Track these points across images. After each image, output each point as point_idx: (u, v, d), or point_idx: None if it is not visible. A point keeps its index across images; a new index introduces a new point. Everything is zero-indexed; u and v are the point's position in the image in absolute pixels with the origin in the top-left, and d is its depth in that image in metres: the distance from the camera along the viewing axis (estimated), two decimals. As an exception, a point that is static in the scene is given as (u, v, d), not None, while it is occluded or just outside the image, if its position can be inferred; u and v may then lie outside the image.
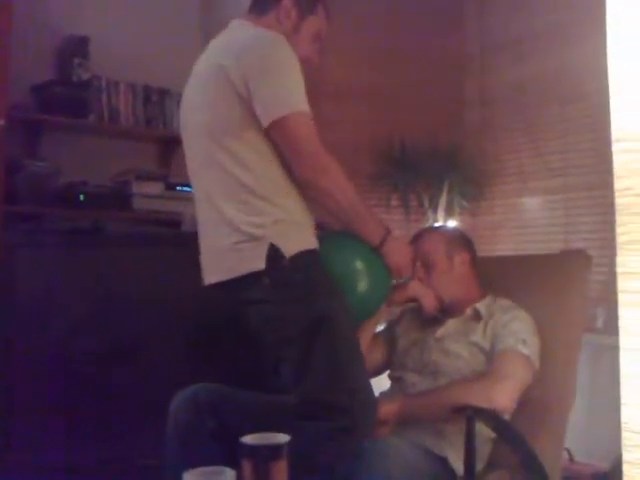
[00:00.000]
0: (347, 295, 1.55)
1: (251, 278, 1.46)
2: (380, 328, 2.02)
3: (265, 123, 1.45)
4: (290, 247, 1.47)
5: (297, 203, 1.51)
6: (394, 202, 3.53)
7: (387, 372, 1.95)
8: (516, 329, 1.75)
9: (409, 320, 1.98)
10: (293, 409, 1.47)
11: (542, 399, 1.76)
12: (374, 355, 1.92)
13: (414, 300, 1.82)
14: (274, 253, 1.45)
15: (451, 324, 1.86)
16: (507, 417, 1.68)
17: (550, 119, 3.39)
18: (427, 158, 3.40)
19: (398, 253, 1.63)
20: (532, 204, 3.49)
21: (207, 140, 1.53)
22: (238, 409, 1.62)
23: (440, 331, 1.85)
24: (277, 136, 1.46)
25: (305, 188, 1.50)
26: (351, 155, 3.56)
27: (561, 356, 1.81)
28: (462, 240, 1.95)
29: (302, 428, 1.40)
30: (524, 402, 1.71)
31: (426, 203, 3.45)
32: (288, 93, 1.46)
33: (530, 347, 1.73)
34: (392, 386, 1.89)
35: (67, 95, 2.80)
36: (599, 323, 2.88)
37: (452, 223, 3.38)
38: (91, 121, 2.88)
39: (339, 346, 1.48)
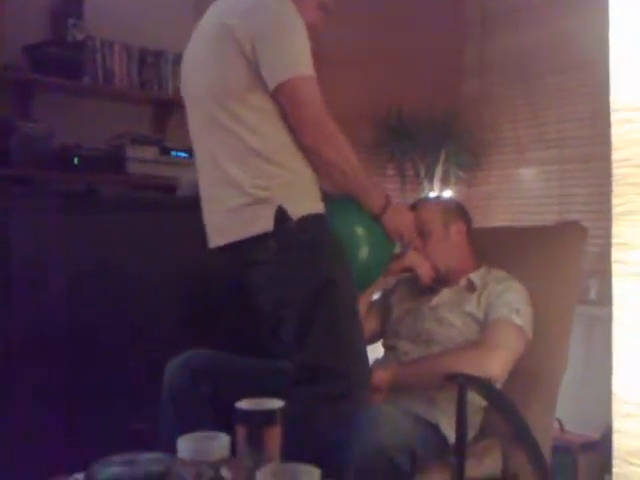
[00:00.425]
0: (350, 261, 1.56)
1: (257, 240, 1.46)
2: (375, 297, 2.03)
3: (272, 85, 1.43)
4: (297, 210, 1.47)
5: (304, 166, 1.50)
6: (390, 171, 3.52)
7: (381, 340, 1.97)
8: (510, 299, 1.76)
9: (404, 289, 1.99)
10: (291, 373, 1.48)
11: (534, 369, 1.77)
12: (369, 324, 1.93)
13: (410, 270, 1.83)
14: (281, 215, 1.45)
15: (445, 293, 1.87)
16: (499, 386, 1.69)
17: (548, 88, 3.37)
18: (424, 127, 3.38)
19: (399, 219, 1.63)
20: (528, 175, 3.49)
21: (210, 102, 1.51)
22: (233, 375, 1.63)
23: (434, 300, 1.86)
24: (283, 99, 1.45)
25: (309, 154, 1.48)
26: (348, 122, 3.51)
27: (554, 327, 1.82)
28: (458, 210, 1.95)
29: (299, 392, 1.41)
30: (516, 371, 1.73)
31: (422, 172, 3.44)
32: (295, 56, 1.44)
33: (523, 317, 1.74)
34: (386, 354, 1.90)
35: (61, 55, 2.76)
36: (592, 294, 2.90)
37: (448, 193, 3.39)
38: (85, 82, 2.84)
39: (341, 311, 1.49)
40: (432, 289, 1.90)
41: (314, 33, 1.55)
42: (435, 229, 1.86)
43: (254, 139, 1.46)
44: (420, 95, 3.39)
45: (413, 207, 1.92)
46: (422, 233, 1.84)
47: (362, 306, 1.86)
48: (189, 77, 1.61)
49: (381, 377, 1.67)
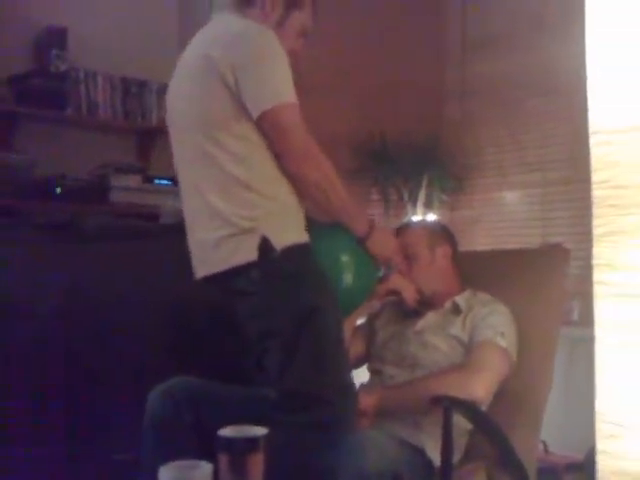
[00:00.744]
0: (334, 289, 1.55)
1: (241, 270, 1.46)
2: (360, 321, 2.02)
3: (255, 114, 1.44)
4: (281, 239, 1.47)
5: (289, 196, 1.51)
6: (374, 196, 3.53)
7: (366, 364, 1.96)
8: (495, 322, 1.77)
9: (389, 313, 1.99)
10: (274, 402, 1.46)
11: (519, 391, 1.77)
12: (354, 348, 1.92)
13: (395, 293, 1.83)
14: (265, 245, 1.45)
15: (430, 317, 1.87)
16: (484, 408, 1.69)
17: (529, 113, 3.41)
18: (407, 152, 3.40)
19: (383, 243, 1.64)
20: (510, 198, 3.52)
21: (195, 132, 1.52)
22: (217, 402, 1.61)
23: (419, 324, 1.86)
24: (267, 127, 1.45)
25: (294, 181, 1.49)
26: (330, 148, 3.55)
27: (538, 349, 1.82)
28: (444, 233, 1.96)
29: (283, 421, 1.40)
30: (501, 394, 1.73)
31: (405, 197, 3.46)
32: (277, 84, 1.45)
33: (508, 339, 1.74)
34: (371, 378, 1.90)
35: (44, 86, 2.76)
36: (575, 315, 2.91)
37: (431, 217, 3.40)
38: (69, 113, 2.84)
39: (325, 340, 1.48)
40: (417, 312, 1.90)
41: (295, 59, 1.56)
42: (421, 252, 1.87)
43: (239, 169, 1.47)
44: (402, 120, 3.41)
45: (398, 231, 1.93)
46: (408, 256, 1.84)
47: (347, 330, 1.85)
48: (174, 107, 1.62)
49: (366, 402, 1.66)
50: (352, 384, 1.53)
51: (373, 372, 1.90)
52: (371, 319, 2.02)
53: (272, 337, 1.46)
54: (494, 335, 1.73)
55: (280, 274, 1.46)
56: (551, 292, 1.88)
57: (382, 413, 1.67)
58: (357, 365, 1.96)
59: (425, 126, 3.48)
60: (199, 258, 1.56)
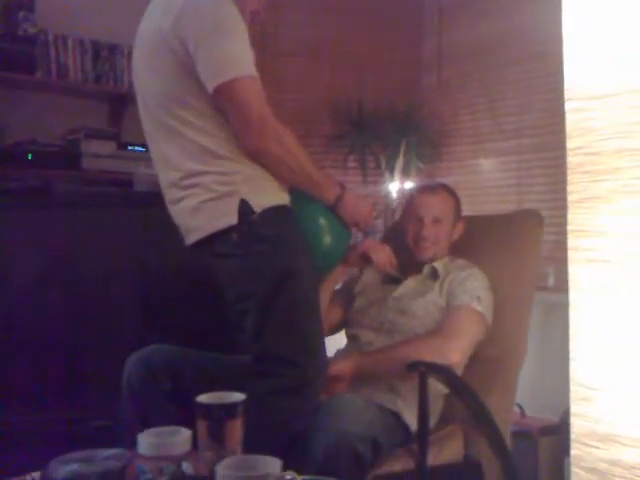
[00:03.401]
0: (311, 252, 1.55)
1: (222, 234, 1.46)
2: (338, 286, 2.03)
3: (210, 88, 1.40)
4: (260, 202, 1.46)
5: None
6: (351, 163, 3.52)
7: (344, 330, 1.97)
8: (471, 286, 1.79)
9: (369, 279, 2.00)
10: (250, 365, 1.47)
11: (494, 355, 1.80)
12: (332, 313, 1.94)
13: (367, 259, 1.82)
14: (244, 208, 1.44)
15: (409, 283, 1.89)
16: (459, 372, 1.71)
17: (505, 79, 3.40)
18: (384, 119, 3.39)
19: (355, 208, 1.63)
20: (487, 165, 3.53)
21: (156, 106, 1.50)
22: (194, 370, 1.62)
23: (398, 290, 1.88)
24: (223, 102, 1.42)
25: (254, 156, 1.46)
26: (308, 115, 3.54)
27: (514, 313, 1.85)
28: (460, 209, 1.98)
29: (256, 384, 1.41)
30: (477, 358, 1.76)
31: (383, 164, 3.45)
32: (233, 55, 1.41)
33: (484, 304, 1.76)
34: (348, 344, 1.91)
35: (13, 50, 2.69)
36: (550, 282, 2.95)
37: (409, 184, 3.40)
38: (38, 77, 2.78)
39: (300, 304, 1.48)
40: (396, 279, 1.91)
41: (259, 21, 1.54)
42: (445, 221, 1.90)
43: (207, 140, 1.45)
44: (380, 88, 3.39)
45: (430, 190, 1.94)
46: (435, 219, 1.87)
47: (325, 297, 1.87)
48: (138, 79, 1.59)
49: (343, 367, 1.67)
50: (323, 350, 1.54)
51: (350, 338, 1.91)
52: (350, 284, 2.03)
53: (249, 299, 1.46)
54: (470, 299, 1.75)
55: (258, 236, 1.46)
56: (525, 257, 1.90)
57: (359, 379, 1.68)
58: (334, 330, 1.98)
59: (403, 94, 3.46)
60: (183, 227, 1.55)
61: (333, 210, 1.60)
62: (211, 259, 1.52)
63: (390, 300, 1.87)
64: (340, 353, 1.87)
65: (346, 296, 2.00)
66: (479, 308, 1.75)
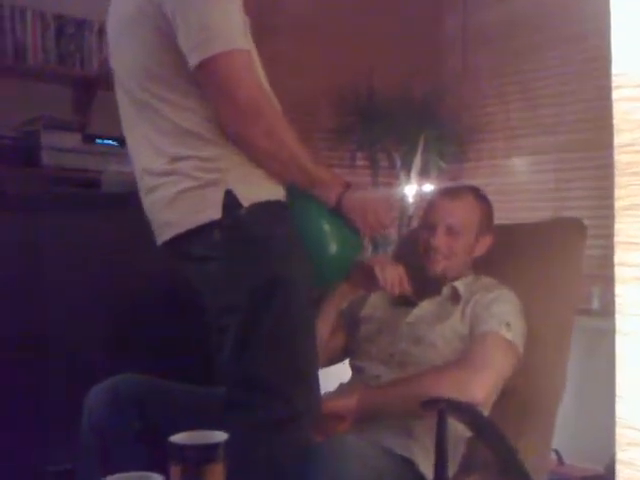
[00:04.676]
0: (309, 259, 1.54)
1: (202, 231, 1.45)
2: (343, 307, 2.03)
3: (192, 63, 1.40)
4: (250, 194, 1.45)
5: None
6: (360, 162, 3.53)
7: (347, 360, 1.97)
8: (499, 310, 1.78)
9: (377, 300, 2.00)
10: (225, 395, 1.46)
11: (527, 391, 1.79)
12: (335, 339, 1.94)
13: (371, 278, 1.80)
14: (230, 201, 1.43)
15: (425, 306, 1.88)
16: (485, 412, 1.70)
17: (543, 64, 3.41)
18: (399, 110, 3.40)
19: (364, 207, 1.61)
20: (520, 165, 3.54)
21: (135, 85, 1.51)
22: (168, 404, 1.61)
23: (413, 314, 1.87)
24: (206, 80, 1.42)
25: (239, 145, 1.45)
26: (308, 105, 3.54)
27: (550, 341, 1.85)
28: (491, 219, 1.97)
29: (233, 419, 1.40)
30: (506, 395, 1.75)
31: (398, 163, 3.46)
32: (221, 24, 1.41)
33: (514, 331, 1.76)
34: (353, 377, 1.90)
35: (-39, 25, 2.70)
36: (595, 304, 2.95)
37: (428, 187, 3.41)
38: (-9, 58, 2.80)
39: (292, 321, 1.47)
40: (410, 301, 1.90)
41: None
42: (465, 234, 1.89)
43: (188, 120, 1.45)
44: (395, 73, 3.41)
45: (452, 193, 1.94)
46: (450, 228, 1.86)
47: (326, 318, 1.87)
48: (114, 55, 1.60)
49: (346, 403, 1.66)
50: (317, 377, 1.52)
51: (355, 370, 1.90)
52: (355, 306, 2.02)
53: (231, 313, 1.45)
54: (498, 325, 1.74)
55: (245, 236, 1.45)
56: (565, 275, 1.90)
57: (364, 418, 1.67)
58: (336, 360, 1.97)
59: (422, 80, 3.47)
60: (157, 221, 1.54)
61: (337, 212, 1.59)
62: (187, 263, 1.50)
63: (403, 326, 1.86)
64: (343, 387, 1.86)
65: (350, 320, 1.99)
66: (509, 336, 1.74)
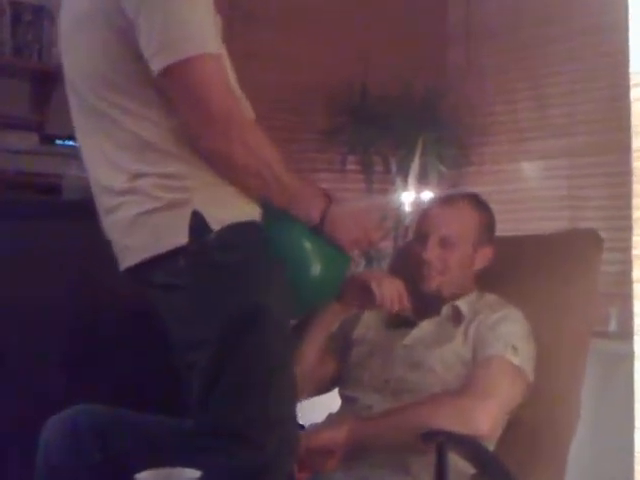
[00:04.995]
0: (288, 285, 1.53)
1: (166, 258, 1.43)
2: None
3: (155, 68, 1.37)
4: (220, 216, 1.43)
5: None
6: (351, 166, 3.53)
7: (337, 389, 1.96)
8: (506, 332, 1.78)
9: (370, 320, 1.99)
10: (189, 438, 1.44)
11: (536, 422, 1.79)
12: (322, 367, 1.93)
13: (366, 294, 1.80)
14: (198, 224, 1.41)
15: (424, 327, 1.88)
16: (491, 446, 1.70)
17: (555, 59, 3.42)
18: (396, 109, 3.41)
19: (348, 222, 1.60)
20: (529, 171, 3.54)
21: (86, 90, 1.49)
22: (133, 437, 1.59)
23: (410, 336, 1.87)
24: (173, 88, 1.40)
25: (212, 161, 1.43)
26: (294, 103, 3.54)
27: (563, 367, 1.85)
28: (492, 228, 1.97)
29: (204, 462, 1.38)
30: (513, 426, 1.74)
31: (394, 168, 3.46)
32: (189, 26, 1.39)
33: (522, 355, 1.75)
34: (342, 407, 1.89)
35: None
36: (612, 325, 2.94)
37: (427, 194, 3.40)
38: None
39: (266, 358, 1.44)
40: (406, 320, 1.90)
41: None
42: (461, 246, 1.88)
43: (150, 131, 1.43)
44: (391, 69, 3.41)
45: (446, 202, 1.95)
46: (444, 240, 1.86)
47: (314, 342, 1.87)
48: (64, 53, 1.58)
49: (335, 436, 1.66)
50: (295, 420, 1.51)
51: (345, 400, 1.90)
52: (346, 328, 2.01)
53: (198, 349, 1.43)
54: (505, 349, 1.74)
55: (214, 263, 1.43)
56: (578, 293, 1.90)
57: (355, 452, 1.67)
58: (325, 389, 1.97)
59: (420, 77, 3.48)
60: (117, 245, 1.53)
61: (318, 230, 1.57)
62: (152, 291, 1.49)
63: (398, 349, 1.86)
64: (332, 418, 1.85)
65: (341, 344, 1.99)
66: (516, 360, 1.74)
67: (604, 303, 2.82)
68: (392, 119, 3.40)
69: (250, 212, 1.50)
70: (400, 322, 1.92)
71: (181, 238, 1.41)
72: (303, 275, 1.59)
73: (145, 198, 1.44)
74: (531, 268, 1.97)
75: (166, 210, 1.43)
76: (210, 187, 1.45)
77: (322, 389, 1.96)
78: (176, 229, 1.42)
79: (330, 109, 3.42)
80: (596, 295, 1.94)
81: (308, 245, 1.60)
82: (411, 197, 3.39)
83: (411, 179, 3.40)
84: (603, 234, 1.96)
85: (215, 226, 1.43)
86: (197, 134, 1.42)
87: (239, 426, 1.43)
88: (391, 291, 1.78)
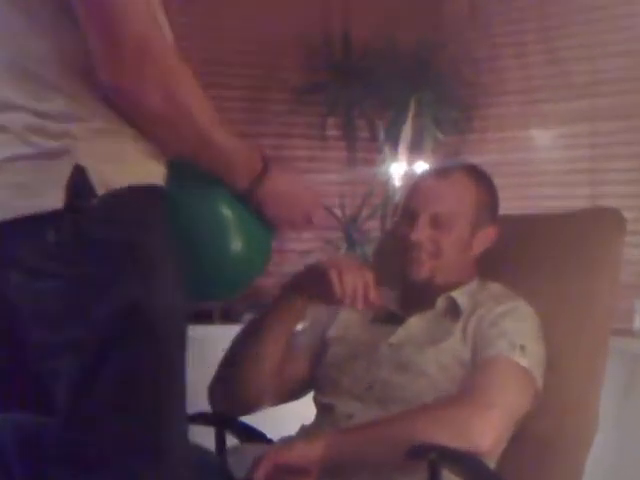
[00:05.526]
0: (194, 262, 1.48)
1: (32, 227, 1.32)
2: (302, 325, 2.03)
3: None
4: (109, 176, 1.33)
5: None
6: (331, 131, 3.52)
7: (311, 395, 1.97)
8: (512, 328, 1.79)
9: (350, 316, 2.00)
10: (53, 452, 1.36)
11: (547, 434, 1.80)
12: (292, 368, 1.94)
13: (318, 283, 1.77)
14: (78, 184, 1.31)
15: (414, 323, 1.89)
16: (492, 463, 1.71)
17: (572, 5, 3.42)
18: (384, 63, 3.40)
19: (281, 200, 1.56)
20: (543, 139, 3.54)
21: None
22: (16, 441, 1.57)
23: (397, 334, 1.88)
24: (78, 3, 1.29)
25: (118, 106, 1.34)
26: (265, 54, 3.52)
27: (578, 369, 1.86)
28: (494, 205, 1.98)
29: None
30: (519, 439, 1.75)
31: (381, 134, 3.46)
32: None
33: (531, 356, 1.76)
34: (318, 417, 1.90)
35: None
36: (636, 322, 2.96)
37: (422, 165, 3.40)
38: None
39: (150, 363, 1.36)
40: (394, 316, 1.91)
41: None
42: (457, 227, 1.89)
43: (28, 48, 1.33)
44: (379, 15, 3.40)
45: (436, 175, 1.95)
46: (435, 223, 1.86)
47: (277, 337, 1.87)
48: None
49: (309, 452, 1.65)
50: (184, 442, 1.44)
51: (322, 408, 1.90)
52: (320, 323, 2.03)
53: (66, 353, 1.33)
54: (510, 348, 1.75)
55: (93, 240, 1.32)
56: (597, 282, 1.90)
57: (334, 471, 1.66)
58: (295, 395, 1.98)
59: (414, 25, 3.47)
60: None
61: (247, 197, 1.52)
62: (7, 270, 1.36)
63: (384, 349, 1.86)
64: (305, 430, 1.86)
65: (314, 342, 1.99)
66: (523, 362, 1.75)
67: (627, 295, 2.84)
68: (379, 75, 3.39)
69: (151, 172, 1.41)
70: (385, 317, 1.93)
71: (52, 201, 1.30)
72: (220, 252, 1.54)
73: (12, 139, 1.34)
74: (542, 254, 1.98)
75: (38, 160, 1.32)
76: (101, 135, 1.35)
77: (291, 394, 1.97)
78: (48, 188, 1.31)
79: (307, 63, 3.41)
80: (618, 286, 1.94)
81: (229, 215, 1.55)
82: (402, 169, 3.39)
83: (401, 147, 3.40)
84: (628, 215, 1.97)
85: (101, 189, 1.32)
86: (100, 64, 1.31)
87: (115, 452, 1.35)
88: (354, 283, 1.75)
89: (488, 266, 1.95)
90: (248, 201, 1.52)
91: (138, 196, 1.37)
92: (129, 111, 1.35)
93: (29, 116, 1.33)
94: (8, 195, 1.33)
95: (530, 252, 1.99)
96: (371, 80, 3.40)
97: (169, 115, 1.36)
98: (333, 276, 1.74)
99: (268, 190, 1.51)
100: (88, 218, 1.31)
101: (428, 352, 1.82)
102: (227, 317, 3.28)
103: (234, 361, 1.93)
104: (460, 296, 1.88)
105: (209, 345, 2.23)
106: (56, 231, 1.30)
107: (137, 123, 1.37)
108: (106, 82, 1.32)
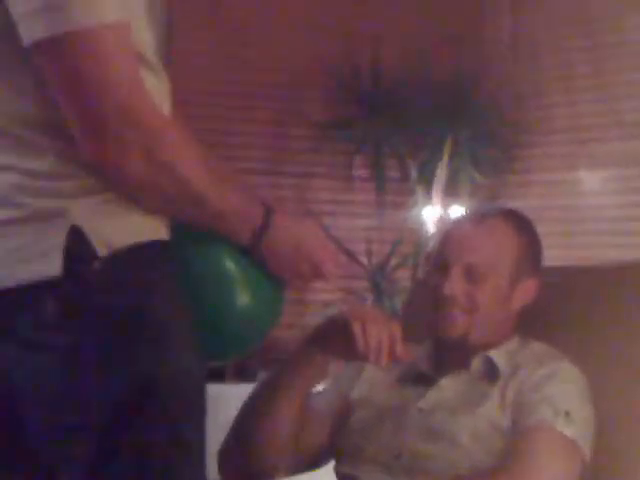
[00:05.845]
0: (199, 321, 1.50)
1: (27, 296, 1.32)
2: (322, 386, 2.03)
3: (25, 38, 1.27)
4: (109, 235, 1.33)
5: None
6: (359, 171, 3.54)
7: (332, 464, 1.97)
8: (556, 393, 1.79)
9: (376, 376, 1.99)
10: None
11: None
12: (309, 436, 1.92)
13: (339, 336, 1.77)
14: (77, 247, 1.31)
15: (447, 386, 1.89)
16: None
17: (629, 33, 3.43)
18: (417, 95, 3.42)
19: (287, 252, 1.54)
20: (593, 182, 3.54)
21: None
22: None
23: (428, 397, 1.88)
24: (49, 68, 1.30)
25: (102, 175, 1.33)
26: (286, 87, 3.55)
27: (631, 441, 1.85)
28: (537, 255, 1.97)
29: None
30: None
31: (413, 173, 3.46)
32: None
33: (578, 425, 1.76)
34: (339, 489, 1.90)
35: None
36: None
37: (457, 209, 3.41)
38: None
39: (169, 445, 1.35)
40: (423, 375, 1.91)
41: None
42: (494, 279, 1.88)
43: (17, 105, 1.34)
44: (412, 43, 3.42)
45: (476, 217, 1.97)
46: (470, 276, 1.86)
47: (292, 398, 1.85)
48: None
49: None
50: None
51: (343, 479, 1.90)
52: (342, 383, 2.02)
53: (70, 440, 1.33)
54: (553, 416, 1.74)
55: (98, 310, 1.32)
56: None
57: None
58: (314, 464, 1.98)
59: (451, 54, 3.49)
60: None
61: (251, 252, 1.52)
62: (5, 342, 1.35)
63: (413, 413, 1.86)
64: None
65: (336, 404, 1.98)
66: (569, 431, 1.74)
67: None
68: (411, 109, 3.41)
69: (155, 227, 1.42)
70: (415, 377, 1.92)
71: (50, 267, 1.31)
72: (226, 307, 1.56)
73: (3, 202, 1.35)
74: (592, 309, 1.98)
75: (32, 222, 1.34)
76: (97, 192, 1.35)
77: (309, 462, 1.96)
78: (44, 252, 1.32)
79: (332, 97, 3.43)
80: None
81: (232, 269, 1.57)
82: (435, 213, 3.39)
83: (436, 189, 3.41)
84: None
85: (102, 250, 1.33)
86: (80, 140, 1.32)
87: None
88: (379, 336, 1.73)
89: (529, 323, 1.94)
90: (252, 255, 1.53)
91: (143, 255, 1.38)
92: (113, 181, 1.34)
93: (19, 175, 1.33)
94: (3, 262, 1.33)
95: (576, 308, 1.99)
96: (403, 114, 3.42)
97: (154, 179, 1.34)
98: (356, 328, 1.72)
99: (269, 244, 1.50)
100: (89, 284, 1.32)
101: (462, 419, 1.82)
102: (241, 375, 3.28)
103: (245, 427, 1.92)
104: (498, 356, 1.87)
105: (222, 405, 2.23)
106: (55, 301, 1.30)
107: (123, 191, 1.35)
108: (87, 156, 1.31)
